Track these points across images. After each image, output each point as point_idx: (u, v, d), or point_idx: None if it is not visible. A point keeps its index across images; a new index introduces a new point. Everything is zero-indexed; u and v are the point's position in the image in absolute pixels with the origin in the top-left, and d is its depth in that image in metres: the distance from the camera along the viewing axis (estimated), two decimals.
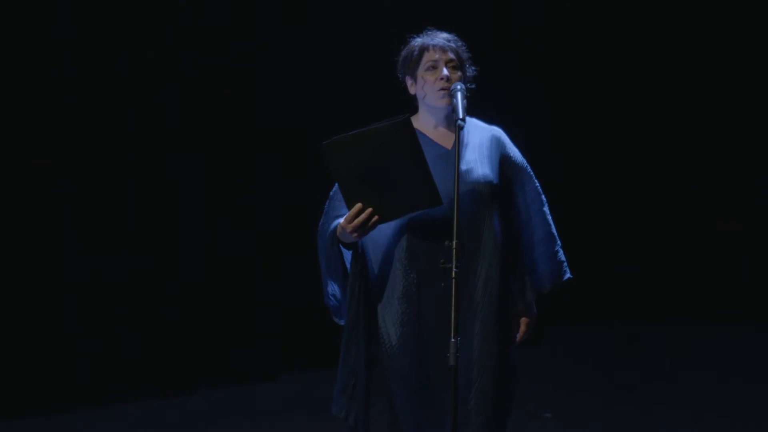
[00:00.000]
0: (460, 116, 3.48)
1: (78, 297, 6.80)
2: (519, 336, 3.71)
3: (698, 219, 9.14)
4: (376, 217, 3.47)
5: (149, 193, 7.09)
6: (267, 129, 7.47)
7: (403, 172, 3.42)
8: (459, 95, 3.54)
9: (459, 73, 3.65)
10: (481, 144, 3.69)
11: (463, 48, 3.71)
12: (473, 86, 3.72)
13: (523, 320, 3.72)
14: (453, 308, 3.27)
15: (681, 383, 7.19)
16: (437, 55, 3.64)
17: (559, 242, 3.78)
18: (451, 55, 3.65)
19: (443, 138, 3.68)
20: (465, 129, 3.67)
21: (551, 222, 3.77)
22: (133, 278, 6.99)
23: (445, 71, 3.62)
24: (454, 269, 3.29)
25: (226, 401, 6.89)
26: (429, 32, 3.72)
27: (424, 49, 3.67)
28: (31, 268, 6.70)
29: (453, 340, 3.25)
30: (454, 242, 3.32)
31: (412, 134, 3.41)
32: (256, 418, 6.52)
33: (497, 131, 3.77)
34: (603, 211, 9.08)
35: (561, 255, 3.78)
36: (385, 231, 3.59)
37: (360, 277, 3.61)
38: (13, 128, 6.64)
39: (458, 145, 3.46)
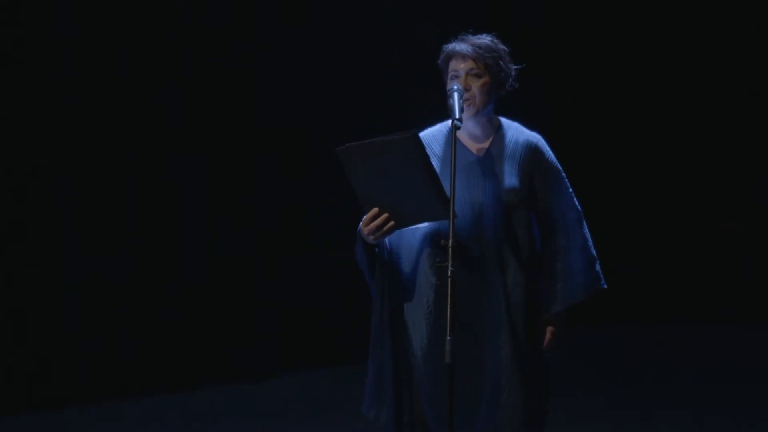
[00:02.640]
0: (456, 116, 3.46)
1: (78, 297, 6.80)
2: (545, 344, 3.70)
3: (698, 219, 9.14)
4: (392, 223, 3.46)
5: (149, 193, 7.09)
6: (267, 129, 7.47)
7: (414, 184, 3.40)
8: (456, 95, 3.52)
9: (483, 80, 3.61)
10: (515, 151, 3.68)
11: (488, 55, 3.63)
12: (514, 86, 3.71)
13: (549, 329, 3.71)
14: (449, 307, 3.27)
15: (681, 383, 7.19)
16: (460, 64, 3.61)
17: (595, 254, 3.76)
18: (472, 64, 3.61)
19: (474, 145, 3.67)
20: (503, 134, 3.69)
21: (588, 236, 3.76)
22: (133, 278, 6.99)
23: (459, 84, 3.57)
24: (450, 268, 3.28)
25: (226, 400, 6.89)
26: (461, 37, 3.68)
27: (449, 57, 3.65)
28: (32, 268, 6.70)
29: (448, 338, 3.25)
30: (450, 241, 3.31)
31: (421, 150, 3.38)
32: (255, 418, 6.52)
33: (534, 138, 3.75)
34: (603, 211, 9.05)
35: (598, 267, 3.77)
36: (416, 234, 3.59)
37: (385, 277, 3.62)
38: (14, 128, 6.64)
39: (454, 145, 3.43)
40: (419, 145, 3.37)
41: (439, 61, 3.70)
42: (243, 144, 7.41)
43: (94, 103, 6.85)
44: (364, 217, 3.49)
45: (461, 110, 3.50)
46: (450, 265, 3.29)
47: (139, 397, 6.82)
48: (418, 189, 3.41)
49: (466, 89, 3.58)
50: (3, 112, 6.61)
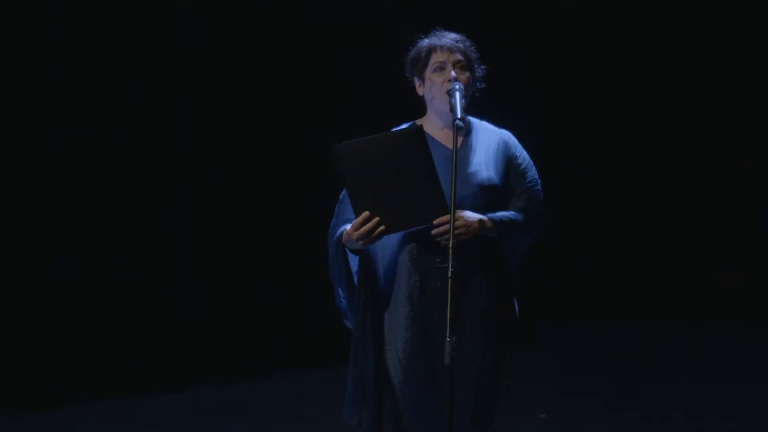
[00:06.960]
0: (458, 116, 3.46)
1: (78, 297, 6.81)
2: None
3: (698, 219, 9.14)
4: (382, 227, 3.44)
5: (149, 194, 7.09)
6: (268, 130, 7.47)
7: (412, 182, 3.38)
8: (457, 95, 3.51)
9: (467, 74, 3.62)
10: (488, 147, 3.67)
11: (472, 48, 3.68)
12: (482, 86, 3.70)
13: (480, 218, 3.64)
14: (449, 308, 3.26)
15: (680, 384, 7.19)
16: (445, 56, 3.61)
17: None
18: (459, 56, 3.62)
19: (450, 140, 3.62)
20: (474, 131, 3.67)
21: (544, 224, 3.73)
22: (134, 278, 7.00)
23: (453, 73, 3.58)
24: (450, 269, 3.28)
25: (225, 400, 6.89)
26: (437, 33, 3.69)
27: (431, 50, 3.64)
28: (31, 268, 6.71)
29: (449, 339, 3.25)
30: (450, 242, 3.31)
31: (424, 145, 3.35)
32: (255, 417, 6.52)
33: (506, 135, 3.74)
34: (603, 212, 9.08)
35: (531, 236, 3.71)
36: (392, 236, 3.56)
37: (366, 282, 3.59)
38: (13, 129, 6.65)
39: (455, 144, 3.43)
40: (423, 140, 3.35)
41: (411, 57, 3.69)
42: (244, 144, 7.41)
43: (94, 103, 6.87)
44: (354, 221, 3.46)
45: (463, 109, 3.49)
46: (450, 265, 3.28)
47: (138, 396, 6.83)
48: (416, 185, 3.38)
49: (455, 81, 3.57)
50: (3, 112, 6.62)
